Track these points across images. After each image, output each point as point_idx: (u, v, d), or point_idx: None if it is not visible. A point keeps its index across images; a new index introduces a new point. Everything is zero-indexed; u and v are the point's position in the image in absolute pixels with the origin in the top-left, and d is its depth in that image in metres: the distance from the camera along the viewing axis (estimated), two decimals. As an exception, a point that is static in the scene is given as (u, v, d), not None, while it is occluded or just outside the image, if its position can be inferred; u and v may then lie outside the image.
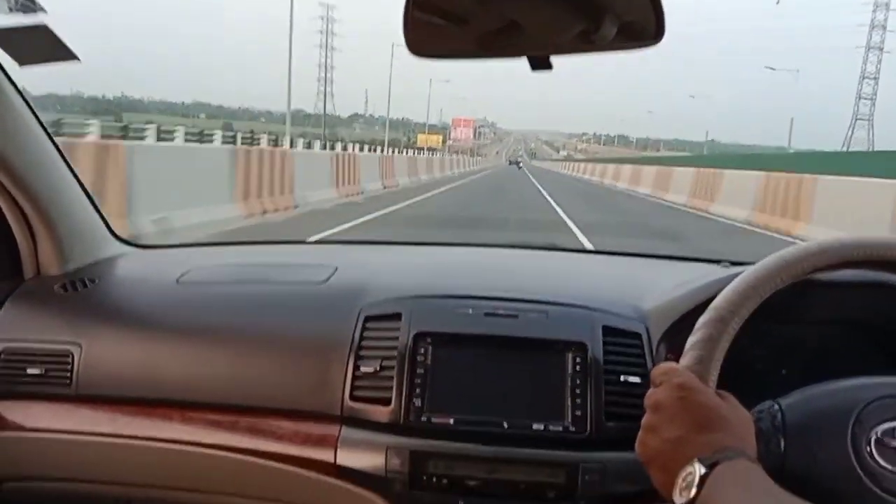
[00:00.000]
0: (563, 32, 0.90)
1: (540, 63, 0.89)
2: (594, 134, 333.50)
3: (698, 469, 0.73)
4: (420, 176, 27.91)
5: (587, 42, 0.90)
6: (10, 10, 1.07)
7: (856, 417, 0.84)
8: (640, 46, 0.89)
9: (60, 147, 1.41)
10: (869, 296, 1.15)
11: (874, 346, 1.19)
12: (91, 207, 1.51)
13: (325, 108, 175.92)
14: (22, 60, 1.14)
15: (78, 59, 1.17)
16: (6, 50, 1.13)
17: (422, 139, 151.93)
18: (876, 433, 0.82)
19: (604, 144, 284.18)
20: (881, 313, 1.17)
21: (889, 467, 0.80)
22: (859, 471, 0.81)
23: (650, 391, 0.86)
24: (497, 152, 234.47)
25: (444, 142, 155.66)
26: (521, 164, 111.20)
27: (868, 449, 0.82)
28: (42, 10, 1.09)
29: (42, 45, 1.14)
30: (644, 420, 0.84)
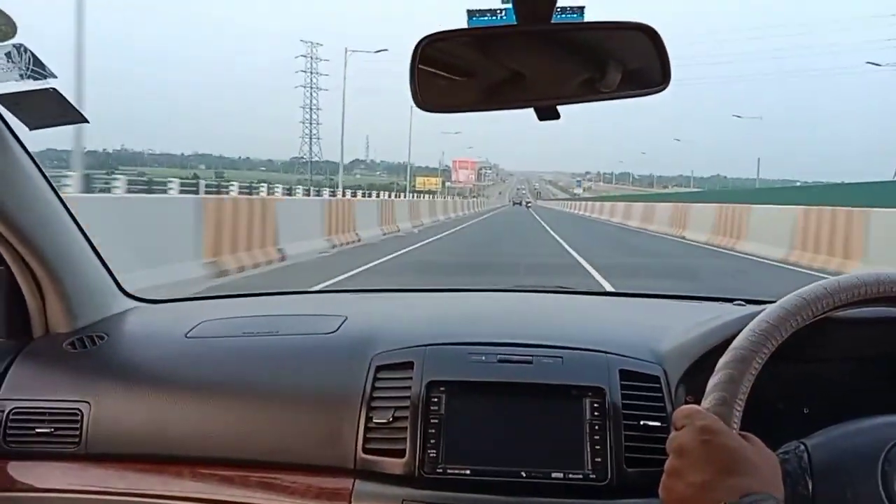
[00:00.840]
0: (567, 81, 0.92)
1: (547, 113, 0.91)
2: (597, 173, 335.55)
3: None
4: (422, 220, 27.26)
5: (593, 90, 0.92)
6: (21, 76, 1.10)
7: (885, 457, 0.83)
8: (646, 93, 0.91)
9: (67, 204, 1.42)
10: (888, 332, 1.14)
11: (891, 382, 1.18)
12: (99, 263, 1.52)
13: (311, 151, 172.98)
14: (31, 124, 1.17)
15: (87, 121, 1.20)
16: (16, 114, 1.15)
17: (420, 182, 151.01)
18: None
19: (605, 183, 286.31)
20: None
21: None
22: None
23: (672, 435, 0.85)
24: (500, 193, 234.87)
25: (443, 184, 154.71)
26: (529, 204, 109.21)
27: None
28: (52, 75, 1.13)
29: (52, 109, 1.17)
30: (667, 464, 0.83)
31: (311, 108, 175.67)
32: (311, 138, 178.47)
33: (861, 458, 0.85)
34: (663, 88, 0.91)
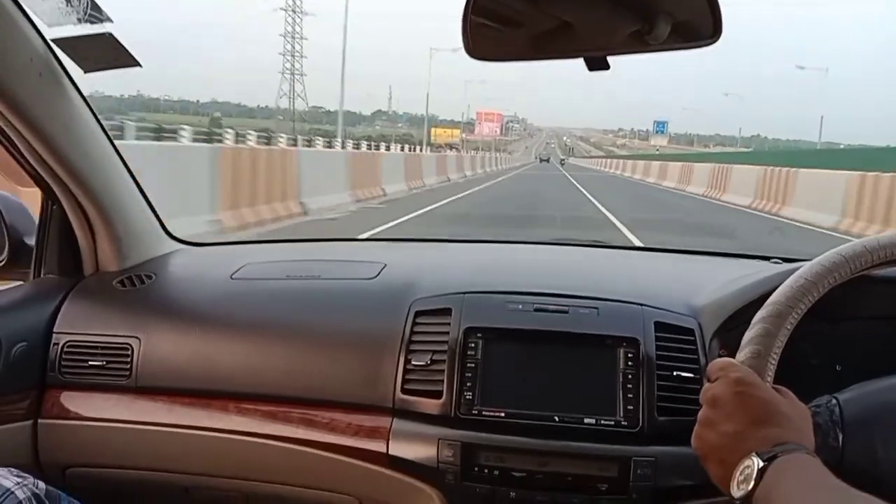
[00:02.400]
0: (615, 33, 0.94)
1: (596, 63, 0.94)
2: (631, 129, 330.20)
3: (756, 462, 0.76)
4: (424, 180, 21.57)
5: (641, 42, 0.94)
6: (79, 20, 1.17)
7: None
8: (695, 46, 0.92)
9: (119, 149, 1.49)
10: None
11: None
12: (147, 207, 1.59)
13: (293, 99, 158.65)
14: (86, 67, 1.22)
15: (140, 65, 1.26)
16: (72, 57, 1.21)
17: (437, 134, 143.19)
18: None
19: (640, 140, 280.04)
20: None
21: None
22: None
23: (706, 386, 0.89)
24: (527, 147, 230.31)
25: (462, 138, 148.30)
26: (563, 162, 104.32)
27: None
28: (108, 19, 1.19)
29: (106, 52, 1.22)
30: (700, 414, 0.87)
31: (293, 36, 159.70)
32: (292, 75, 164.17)
33: (891, 412, 0.88)
34: (714, 41, 0.92)
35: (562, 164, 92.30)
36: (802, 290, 0.91)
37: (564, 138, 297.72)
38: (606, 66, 0.94)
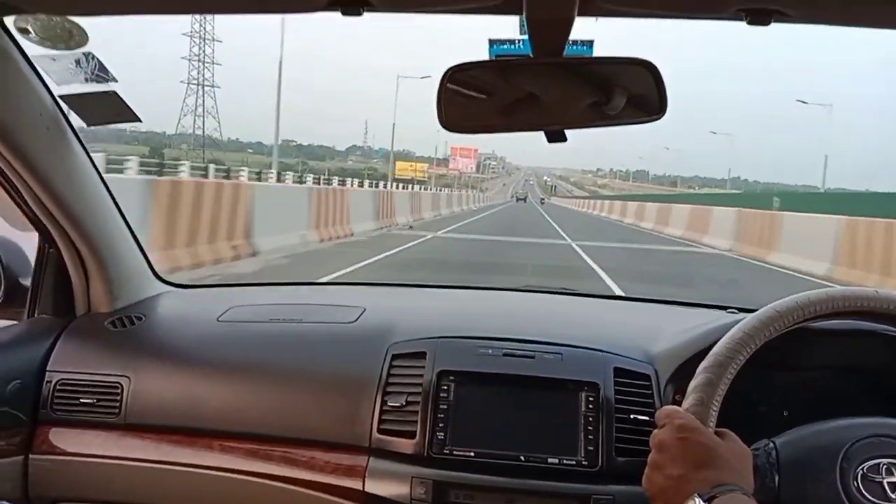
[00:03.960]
0: (575, 104, 1.05)
1: (555, 136, 1.06)
2: (610, 170, 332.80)
3: (698, 503, 0.86)
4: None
5: (598, 114, 1.05)
6: (86, 80, 1.28)
7: (843, 455, 0.97)
8: (645, 121, 1.04)
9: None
10: (860, 343, 1.28)
11: (865, 388, 1.31)
12: (138, 250, 1.68)
13: (204, 125, 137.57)
14: (90, 121, 1.32)
15: (140, 120, 1.38)
16: (77, 112, 1.31)
17: (402, 168, 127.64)
18: (862, 469, 0.95)
19: (621, 180, 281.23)
20: (871, 359, 1.30)
21: (874, 500, 0.93)
22: (847, 503, 0.93)
23: (655, 432, 0.98)
24: (504, 185, 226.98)
25: (428, 173, 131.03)
26: (543, 202, 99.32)
27: (855, 484, 0.94)
28: (114, 79, 1.30)
29: (109, 108, 1.33)
30: (649, 458, 0.96)
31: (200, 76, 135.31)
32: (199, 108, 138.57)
33: (822, 455, 0.98)
34: (660, 117, 1.03)
35: (541, 204, 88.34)
36: (741, 342, 1.01)
37: (545, 178, 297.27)
38: (564, 139, 1.06)
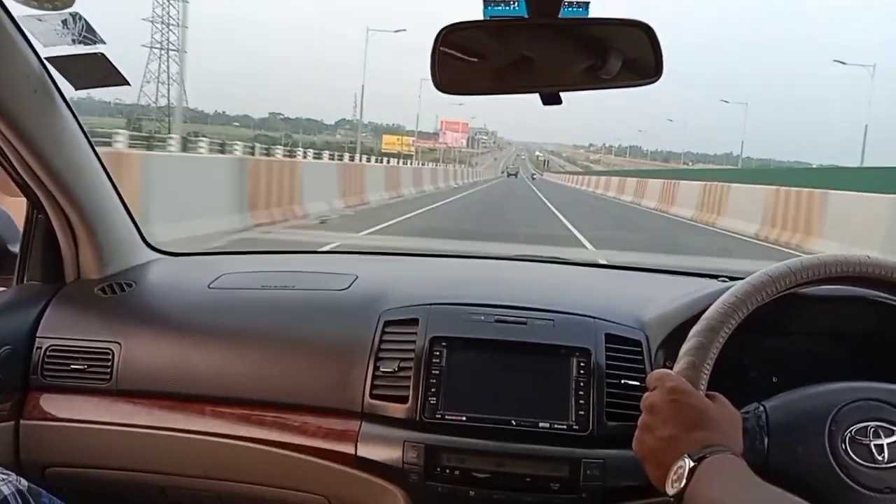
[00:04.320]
0: (571, 67, 1.04)
1: (550, 98, 1.05)
2: (603, 145, 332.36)
3: (687, 463, 0.87)
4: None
5: (594, 77, 1.04)
6: (73, 41, 1.26)
7: (832, 418, 0.98)
8: (641, 83, 1.04)
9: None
10: (849, 309, 1.29)
11: (854, 354, 1.33)
12: (128, 217, 1.67)
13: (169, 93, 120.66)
14: (78, 84, 1.30)
15: (129, 84, 1.36)
16: (65, 75, 1.28)
17: (388, 142, 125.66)
18: (850, 432, 0.97)
19: (615, 156, 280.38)
20: (860, 325, 1.32)
21: (862, 462, 0.94)
22: (835, 465, 0.95)
23: (646, 395, 0.99)
24: (495, 159, 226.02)
25: (417, 147, 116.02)
26: (535, 177, 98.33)
27: (843, 446, 0.96)
28: (101, 41, 1.28)
29: (97, 71, 1.30)
30: (640, 420, 0.97)
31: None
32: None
33: (811, 418, 0.99)
34: (656, 80, 1.03)
35: (532, 180, 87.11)
36: (733, 306, 1.02)
37: (537, 153, 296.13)
38: (559, 101, 1.05)
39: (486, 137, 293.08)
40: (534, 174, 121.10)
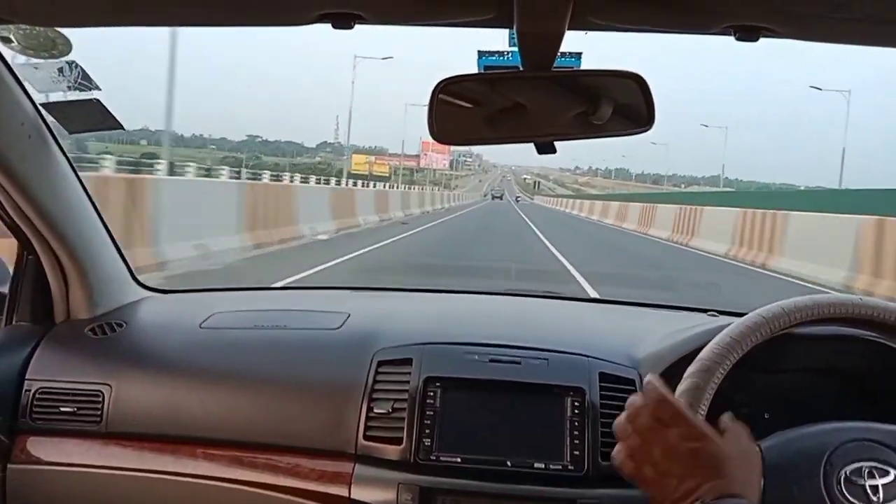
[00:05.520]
0: (564, 120, 1.07)
1: (545, 148, 1.08)
2: (589, 168, 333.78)
3: None
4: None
5: (588, 126, 1.07)
6: (69, 88, 1.28)
7: (827, 458, 1.00)
8: (633, 132, 1.06)
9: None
10: (841, 347, 1.32)
11: (846, 392, 1.36)
12: (118, 255, 1.67)
13: None
14: (72, 129, 1.32)
15: (123, 128, 1.38)
16: (59, 120, 1.30)
17: (357, 163, 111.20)
18: (845, 472, 0.99)
19: (602, 178, 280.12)
20: (849, 363, 1.35)
21: (856, 503, 0.96)
22: None
23: (634, 403, 0.98)
24: (480, 181, 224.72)
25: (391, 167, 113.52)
26: (519, 199, 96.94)
27: (838, 487, 0.98)
28: (97, 87, 1.30)
29: (92, 116, 1.33)
30: (657, 464, 0.94)
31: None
32: None
33: (807, 458, 1.01)
34: (649, 128, 1.05)
35: (517, 202, 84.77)
36: (728, 347, 1.04)
37: (524, 176, 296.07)
38: (553, 150, 1.08)
39: (470, 160, 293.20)
40: (518, 196, 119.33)
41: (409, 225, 23.04)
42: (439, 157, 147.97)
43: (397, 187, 50.17)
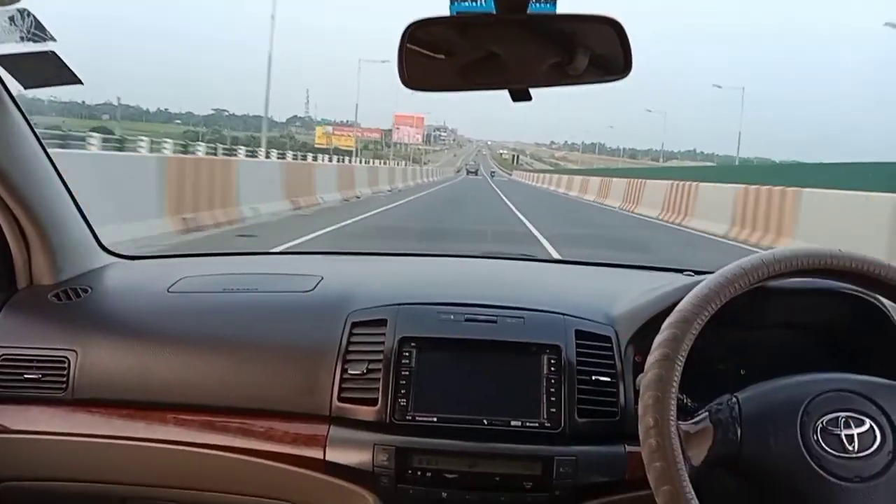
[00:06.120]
0: (539, 66, 1.06)
1: (520, 95, 1.05)
2: (564, 142, 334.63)
3: None
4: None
5: (562, 74, 1.05)
6: (21, 39, 1.22)
7: (804, 409, 1.01)
8: (610, 79, 1.04)
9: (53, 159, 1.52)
10: (819, 301, 1.33)
11: (823, 346, 1.37)
12: (83, 221, 1.63)
13: None
14: (27, 84, 1.27)
15: (81, 83, 1.33)
16: (13, 74, 1.24)
17: (321, 135, 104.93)
18: (821, 422, 0.99)
19: (578, 153, 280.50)
20: (829, 317, 1.35)
21: (833, 452, 0.97)
22: (807, 456, 0.97)
23: None
24: (455, 155, 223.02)
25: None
26: (493, 174, 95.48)
27: (815, 437, 0.98)
28: (52, 38, 1.24)
29: (48, 70, 1.27)
30: None
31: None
32: None
33: (783, 409, 1.02)
34: (625, 76, 1.04)
35: (492, 177, 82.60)
36: (706, 298, 1.03)
37: (501, 151, 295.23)
38: (529, 98, 1.05)
39: (445, 134, 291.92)
40: (493, 171, 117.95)
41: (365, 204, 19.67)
42: (412, 130, 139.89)
43: (362, 162, 45.79)
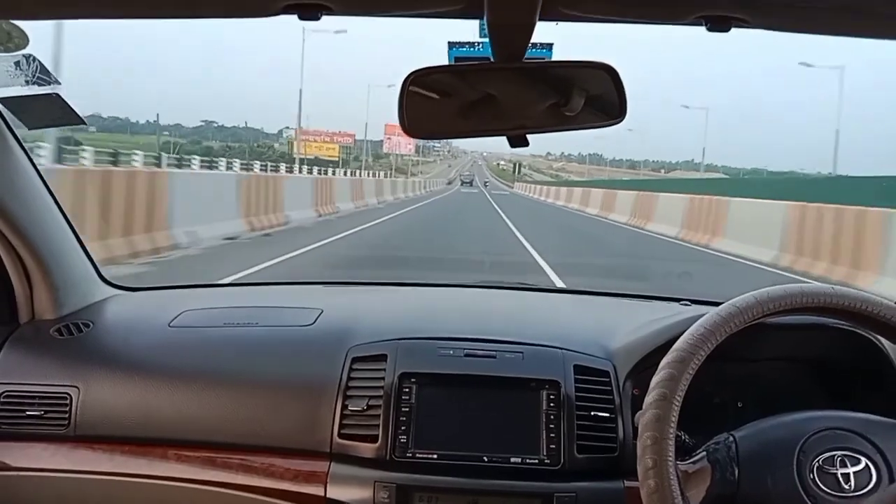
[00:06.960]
0: (536, 112, 1.07)
1: (517, 140, 1.08)
2: (562, 153, 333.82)
3: None
4: None
5: (560, 118, 1.07)
6: (27, 82, 1.25)
7: (800, 448, 1.02)
8: (605, 125, 1.06)
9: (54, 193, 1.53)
10: (813, 336, 1.35)
11: (817, 381, 1.38)
12: (83, 254, 1.64)
13: None
14: (31, 125, 1.30)
15: (84, 123, 1.35)
16: (17, 115, 1.27)
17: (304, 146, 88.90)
18: (818, 461, 1.01)
19: (577, 163, 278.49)
20: (824, 352, 1.37)
21: (829, 491, 0.99)
22: (804, 494, 0.99)
23: None
24: (449, 166, 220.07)
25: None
26: (487, 184, 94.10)
27: (811, 476, 1.00)
28: (56, 82, 1.27)
29: (52, 111, 1.30)
30: None
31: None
32: None
33: (780, 448, 1.04)
34: (620, 121, 1.05)
35: (485, 186, 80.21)
36: (702, 338, 1.05)
37: (499, 162, 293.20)
38: (526, 143, 1.08)
39: (439, 146, 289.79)
40: (486, 181, 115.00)
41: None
42: (404, 141, 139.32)
43: (344, 174, 39.33)
